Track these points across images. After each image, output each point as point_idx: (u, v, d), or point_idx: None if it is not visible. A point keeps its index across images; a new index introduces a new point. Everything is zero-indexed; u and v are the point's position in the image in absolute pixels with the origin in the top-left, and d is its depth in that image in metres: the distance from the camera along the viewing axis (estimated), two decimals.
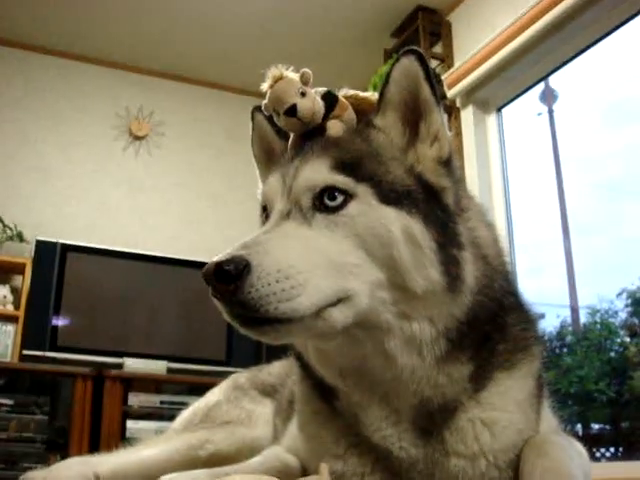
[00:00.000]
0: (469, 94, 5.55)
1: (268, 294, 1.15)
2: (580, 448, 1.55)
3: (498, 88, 5.51)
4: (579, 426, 6.96)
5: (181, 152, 7.01)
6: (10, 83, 6.48)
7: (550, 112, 7.76)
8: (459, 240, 1.34)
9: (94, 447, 4.85)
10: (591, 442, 6.62)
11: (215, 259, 1.17)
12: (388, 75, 1.39)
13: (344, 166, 1.30)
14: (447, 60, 5.79)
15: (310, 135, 1.41)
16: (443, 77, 5.50)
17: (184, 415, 2.22)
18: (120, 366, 5.49)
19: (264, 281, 1.15)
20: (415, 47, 1.39)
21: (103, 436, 5.02)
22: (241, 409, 2.13)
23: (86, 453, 4.69)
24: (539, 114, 7.65)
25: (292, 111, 1.36)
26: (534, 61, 5.17)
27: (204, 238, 6.73)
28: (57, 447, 4.97)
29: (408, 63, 1.37)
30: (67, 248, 5.73)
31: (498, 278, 1.41)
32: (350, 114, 1.45)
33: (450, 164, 1.41)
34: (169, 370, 5.66)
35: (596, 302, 7.40)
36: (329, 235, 1.25)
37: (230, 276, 1.15)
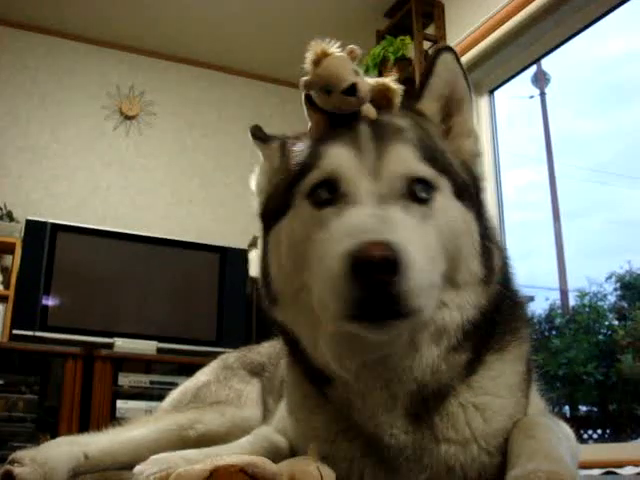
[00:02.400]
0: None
1: (419, 287, 1.10)
2: (568, 430, 1.56)
3: (490, 70, 5.50)
4: (567, 408, 7.02)
5: (172, 132, 6.98)
6: None
7: (542, 95, 7.76)
8: (490, 233, 1.39)
9: (84, 427, 4.87)
10: (579, 424, 6.68)
11: (372, 245, 1.07)
12: (431, 67, 1.43)
13: (427, 156, 1.30)
14: (440, 42, 5.75)
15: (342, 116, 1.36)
16: None
17: (174, 395, 2.23)
18: (110, 346, 5.49)
19: (416, 272, 1.09)
20: (450, 45, 1.48)
21: (93, 416, 5.03)
22: (230, 389, 2.14)
23: (76, 433, 4.70)
24: (531, 97, 7.66)
25: (352, 90, 1.31)
26: (527, 44, 5.16)
27: (194, 218, 6.75)
28: (47, 426, 4.97)
29: (450, 58, 1.43)
30: (57, 228, 5.71)
31: (505, 267, 1.43)
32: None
33: (479, 159, 1.46)
34: (159, 350, 5.65)
35: (585, 285, 7.45)
36: (424, 227, 1.23)
37: (392, 266, 1.07)
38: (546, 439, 1.27)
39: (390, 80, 1.45)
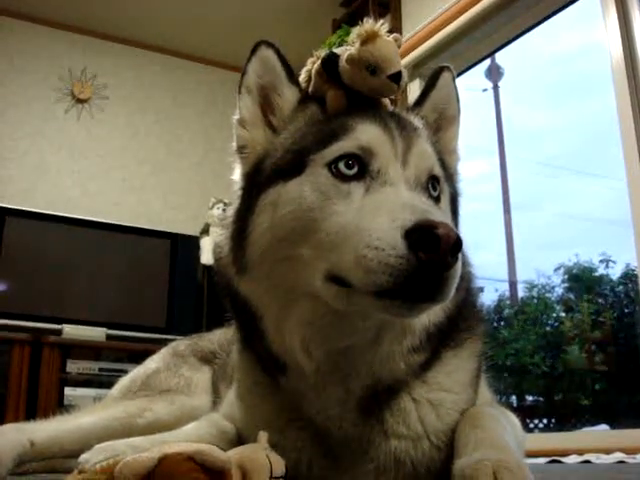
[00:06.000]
0: (416, 67, 5.55)
1: (458, 275, 1.10)
2: (514, 419, 1.59)
3: (445, 63, 5.52)
4: (514, 398, 7.13)
5: (124, 116, 6.89)
6: None
7: (495, 88, 7.84)
8: None
9: (31, 414, 4.79)
10: (525, 413, 6.79)
11: (447, 228, 1.05)
12: (434, 80, 1.53)
13: (439, 159, 1.36)
14: (395, 32, 5.76)
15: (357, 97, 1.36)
16: None
17: (123, 382, 2.22)
18: (59, 332, 5.40)
19: (461, 263, 1.10)
20: (450, 66, 1.58)
21: (40, 403, 4.96)
22: (180, 377, 2.13)
23: (23, 420, 4.62)
24: (484, 90, 7.73)
25: (397, 77, 1.32)
26: (481, 37, 5.20)
27: (146, 204, 6.68)
28: None
29: (450, 78, 1.55)
30: (5, 212, 5.60)
31: (470, 276, 1.45)
32: None
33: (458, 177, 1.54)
34: (108, 337, 5.58)
35: (534, 277, 7.56)
36: None
37: (457, 250, 1.06)
38: (492, 428, 1.29)
39: None
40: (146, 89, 7.04)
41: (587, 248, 7.23)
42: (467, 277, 1.39)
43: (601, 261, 7.04)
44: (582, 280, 7.20)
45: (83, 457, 1.25)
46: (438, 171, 1.32)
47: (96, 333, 5.54)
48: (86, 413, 1.95)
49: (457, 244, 1.05)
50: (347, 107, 1.35)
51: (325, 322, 1.19)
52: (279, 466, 1.18)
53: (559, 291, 7.52)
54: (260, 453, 1.17)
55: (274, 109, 1.43)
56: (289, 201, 1.26)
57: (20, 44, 6.55)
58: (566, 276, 7.41)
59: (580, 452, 3.99)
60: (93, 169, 6.61)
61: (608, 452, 3.83)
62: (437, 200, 1.30)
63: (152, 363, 2.26)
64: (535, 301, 7.54)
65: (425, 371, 1.35)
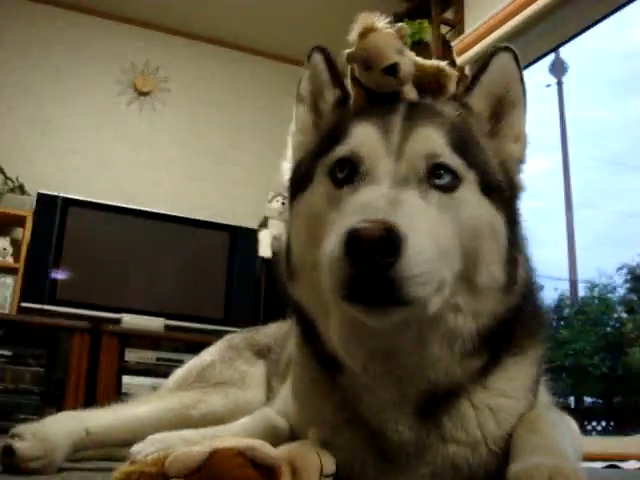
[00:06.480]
0: (479, 62, 5.49)
1: (417, 275, 1.05)
2: (572, 423, 1.55)
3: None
4: (572, 399, 7.01)
5: (185, 109, 6.96)
6: (14, 33, 6.42)
7: (559, 84, 7.71)
8: (520, 243, 1.34)
9: (90, 401, 4.89)
10: (584, 415, 6.68)
11: (371, 225, 1.03)
12: (486, 64, 1.40)
13: (456, 145, 1.26)
14: (458, 27, 5.71)
15: (383, 94, 1.33)
16: (453, 43, 5.44)
17: (178, 373, 2.22)
18: (118, 321, 5.51)
19: (419, 260, 1.05)
20: (512, 46, 1.43)
21: (99, 390, 5.06)
22: (235, 370, 2.13)
23: (81, 407, 4.73)
24: (548, 85, 7.60)
25: (392, 70, 1.27)
26: (546, 31, 5.10)
27: (205, 196, 6.73)
28: (53, 400, 5.00)
29: (508, 58, 1.40)
30: (69, 202, 5.71)
31: (533, 282, 1.40)
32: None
33: (523, 166, 1.42)
34: (167, 327, 5.67)
35: (596, 276, 7.42)
36: (440, 217, 1.18)
37: (391, 249, 1.02)
38: (549, 433, 1.26)
39: (446, 64, 1.43)
40: (207, 82, 7.10)
41: None
42: (524, 282, 1.32)
43: None
44: None
45: (135, 448, 1.26)
46: (448, 157, 1.23)
47: (154, 323, 5.62)
48: (141, 403, 1.96)
49: (383, 242, 1.01)
50: (365, 106, 1.33)
51: (357, 323, 1.16)
52: (330, 464, 1.17)
53: (621, 291, 7.37)
54: (311, 450, 1.16)
55: (321, 114, 1.44)
56: (303, 212, 1.30)
57: (84, 37, 6.67)
58: (629, 276, 7.26)
59: (639, 457, 3.91)
60: (154, 160, 6.70)
61: None
62: (448, 190, 1.22)
63: (207, 355, 2.26)
64: (596, 301, 7.40)
65: (485, 376, 1.31)
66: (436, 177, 1.21)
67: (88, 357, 5.17)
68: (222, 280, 6.05)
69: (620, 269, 7.29)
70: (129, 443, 1.86)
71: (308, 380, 1.45)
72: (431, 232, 1.12)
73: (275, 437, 1.42)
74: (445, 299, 1.18)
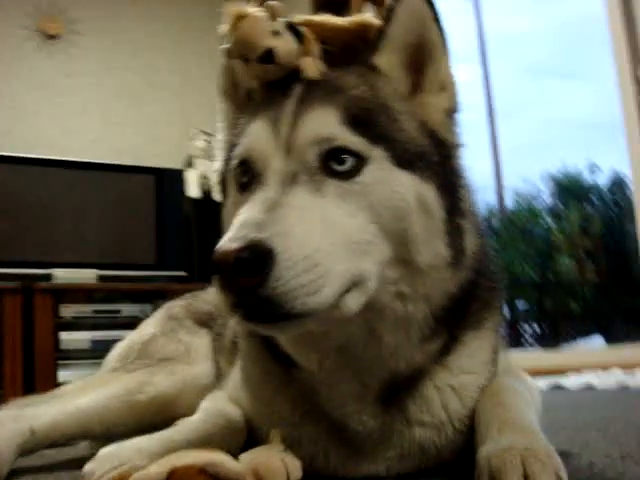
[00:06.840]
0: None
1: (296, 287, 0.98)
2: (530, 382, 1.57)
3: None
4: (505, 307, 7.22)
5: (99, 51, 6.66)
6: None
7: None
8: (463, 207, 1.25)
9: (28, 362, 4.82)
10: (517, 320, 6.91)
11: (229, 245, 0.97)
12: (390, 11, 1.23)
13: (356, 121, 1.14)
14: None
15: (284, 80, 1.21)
16: None
17: (118, 350, 2.15)
18: (49, 277, 5.35)
19: (292, 272, 0.98)
20: None
21: (37, 350, 4.95)
22: (178, 342, 2.08)
23: (19, 369, 4.62)
24: None
25: (268, 57, 1.17)
26: None
27: (127, 140, 6.53)
28: None
29: (416, 1, 1.23)
30: None
31: (485, 247, 1.35)
32: (316, 47, 1.24)
33: (456, 116, 1.30)
34: (100, 278, 5.53)
35: (521, 185, 7.55)
36: (343, 207, 1.09)
37: (253, 268, 0.96)
38: (514, 404, 1.27)
39: (369, 17, 1.29)
40: (119, 21, 6.78)
41: (571, 152, 7.21)
42: (474, 249, 1.28)
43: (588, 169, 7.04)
44: (570, 189, 7.19)
45: (88, 468, 1.19)
46: (345, 139, 1.12)
47: (87, 275, 5.49)
48: (85, 391, 1.87)
49: (243, 262, 0.96)
50: (265, 97, 1.24)
51: (316, 333, 1.14)
52: (295, 470, 1.15)
53: (547, 200, 7.51)
54: (275, 457, 1.14)
55: (242, 110, 1.35)
56: (224, 220, 1.26)
57: None
58: (553, 182, 7.40)
59: (578, 369, 4.06)
60: (70, 107, 6.44)
61: (605, 368, 3.90)
62: (349, 175, 1.12)
63: (148, 328, 2.20)
64: (523, 211, 7.54)
65: (445, 356, 1.30)
66: (338, 163, 1.12)
67: (22, 317, 5.02)
68: (152, 225, 5.92)
69: (544, 177, 7.43)
70: (77, 437, 1.83)
71: (261, 373, 1.42)
72: (319, 232, 1.04)
73: (233, 434, 1.40)
74: (370, 294, 1.12)
